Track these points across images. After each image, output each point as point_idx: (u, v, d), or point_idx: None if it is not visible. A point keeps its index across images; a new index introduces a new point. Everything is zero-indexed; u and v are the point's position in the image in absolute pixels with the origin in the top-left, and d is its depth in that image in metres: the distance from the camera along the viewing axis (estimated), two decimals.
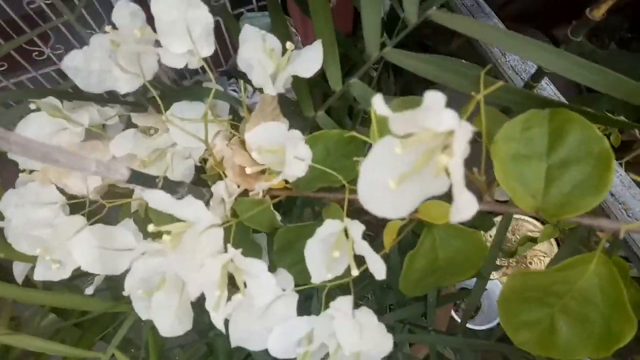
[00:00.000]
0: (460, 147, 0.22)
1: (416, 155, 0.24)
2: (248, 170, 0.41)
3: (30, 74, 1.40)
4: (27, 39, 0.59)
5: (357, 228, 0.34)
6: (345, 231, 0.35)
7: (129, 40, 0.37)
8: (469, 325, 1.29)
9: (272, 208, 0.42)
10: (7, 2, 1.18)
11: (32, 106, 0.40)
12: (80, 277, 0.47)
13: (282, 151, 0.37)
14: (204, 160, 0.45)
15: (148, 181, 0.37)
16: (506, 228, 0.50)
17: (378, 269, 0.32)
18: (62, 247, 0.38)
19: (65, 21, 0.58)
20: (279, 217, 0.44)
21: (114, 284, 0.51)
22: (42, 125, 0.41)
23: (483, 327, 1.33)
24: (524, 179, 0.33)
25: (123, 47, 0.36)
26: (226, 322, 0.35)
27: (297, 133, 0.35)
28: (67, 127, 0.41)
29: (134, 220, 0.44)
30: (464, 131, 0.22)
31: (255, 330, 0.36)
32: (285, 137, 0.36)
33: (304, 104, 0.44)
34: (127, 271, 0.41)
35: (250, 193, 0.43)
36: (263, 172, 0.43)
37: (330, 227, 0.34)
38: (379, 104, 0.23)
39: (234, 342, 0.35)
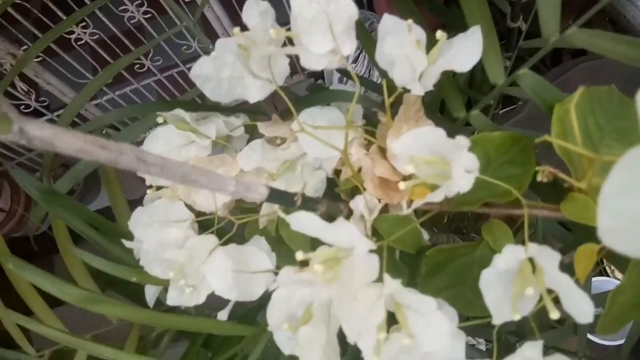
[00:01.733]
0: None
1: None
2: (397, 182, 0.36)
3: (132, 85, 1.46)
4: (135, 56, 0.59)
5: (550, 257, 0.27)
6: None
7: (261, 42, 0.33)
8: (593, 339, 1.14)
9: (418, 225, 0.37)
10: (110, 19, 1.23)
11: (160, 119, 0.37)
12: None
13: (441, 162, 0.31)
14: (335, 172, 0.41)
15: (286, 199, 0.33)
16: None
17: (583, 310, 0.25)
18: (196, 271, 0.35)
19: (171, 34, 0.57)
20: (426, 236, 0.38)
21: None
22: (169, 140, 0.39)
23: (611, 343, 1.17)
24: None
25: (255, 51, 0.32)
26: None
27: (463, 140, 0.29)
28: (194, 139, 0.39)
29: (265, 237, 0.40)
30: None
31: None
32: (447, 145, 0.30)
33: (453, 102, 0.38)
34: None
35: (392, 208, 0.38)
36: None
37: (511, 256, 0.27)
38: None
39: None
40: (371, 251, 0.29)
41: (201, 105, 0.37)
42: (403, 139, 0.32)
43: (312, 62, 0.31)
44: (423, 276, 0.38)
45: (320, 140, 0.35)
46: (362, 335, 0.27)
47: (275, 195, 0.31)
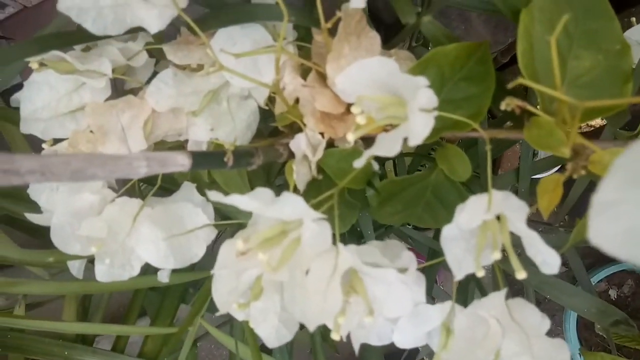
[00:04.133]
0: None
1: None
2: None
3: None
4: None
5: (516, 207, 0.24)
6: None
7: None
8: None
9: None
10: None
11: (33, 65, 0.29)
12: None
13: (394, 102, 0.26)
14: (270, 99, 0.34)
15: (215, 161, 0.27)
16: None
17: (550, 263, 0.24)
18: (122, 244, 0.31)
19: None
20: (376, 166, 0.34)
21: None
22: (54, 87, 0.30)
23: None
24: None
25: None
26: None
27: (421, 79, 0.24)
28: (85, 82, 0.31)
29: (196, 184, 0.35)
30: None
31: (378, 323, 0.29)
32: (401, 80, 0.25)
33: (402, 4, 0.31)
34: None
35: (338, 141, 0.33)
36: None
37: (474, 213, 0.25)
38: None
39: (357, 343, 0.29)
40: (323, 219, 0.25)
41: (84, 33, 0.28)
42: (347, 72, 0.27)
43: None
44: (375, 206, 0.35)
45: (243, 77, 0.29)
46: (321, 323, 0.24)
47: (201, 161, 0.26)
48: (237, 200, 0.23)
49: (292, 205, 0.24)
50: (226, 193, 0.35)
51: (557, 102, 0.25)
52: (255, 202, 0.23)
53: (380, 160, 0.59)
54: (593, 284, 1.16)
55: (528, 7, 0.28)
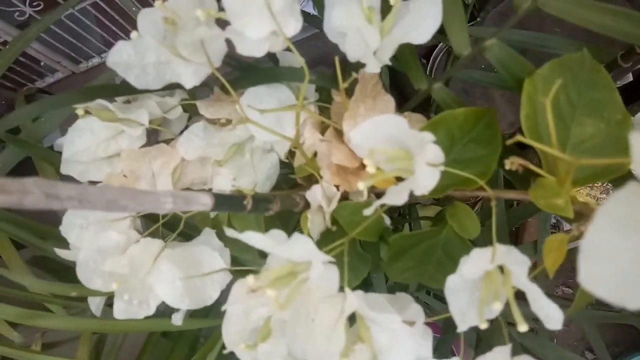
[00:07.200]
0: None
1: None
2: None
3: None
4: None
5: (519, 261, 0.25)
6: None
7: (188, 25, 0.28)
8: None
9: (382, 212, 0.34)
10: None
11: (79, 112, 0.32)
12: None
13: (403, 155, 0.28)
14: (290, 153, 0.37)
15: (235, 204, 0.29)
16: None
17: (553, 318, 0.24)
18: (142, 282, 0.32)
19: None
20: (387, 221, 0.36)
21: None
22: (95, 132, 0.34)
23: None
24: None
25: (183, 36, 0.27)
26: None
27: (427, 135, 0.26)
28: (123, 130, 0.34)
29: (216, 231, 0.37)
30: None
31: None
32: (410, 136, 0.27)
33: (414, 72, 0.34)
34: None
35: (352, 194, 0.35)
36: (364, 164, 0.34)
37: (478, 263, 0.25)
38: None
39: None
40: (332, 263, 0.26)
41: (127, 87, 0.32)
42: (361, 128, 0.29)
43: (249, 48, 0.26)
44: (387, 261, 0.36)
45: (267, 130, 0.31)
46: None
47: (222, 203, 0.28)
48: (251, 237, 0.24)
49: (301, 246, 0.25)
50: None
51: (557, 162, 0.26)
52: (267, 240, 0.25)
53: (398, 223, 0.60)
54: None
55: (531, 77, 0.30)
